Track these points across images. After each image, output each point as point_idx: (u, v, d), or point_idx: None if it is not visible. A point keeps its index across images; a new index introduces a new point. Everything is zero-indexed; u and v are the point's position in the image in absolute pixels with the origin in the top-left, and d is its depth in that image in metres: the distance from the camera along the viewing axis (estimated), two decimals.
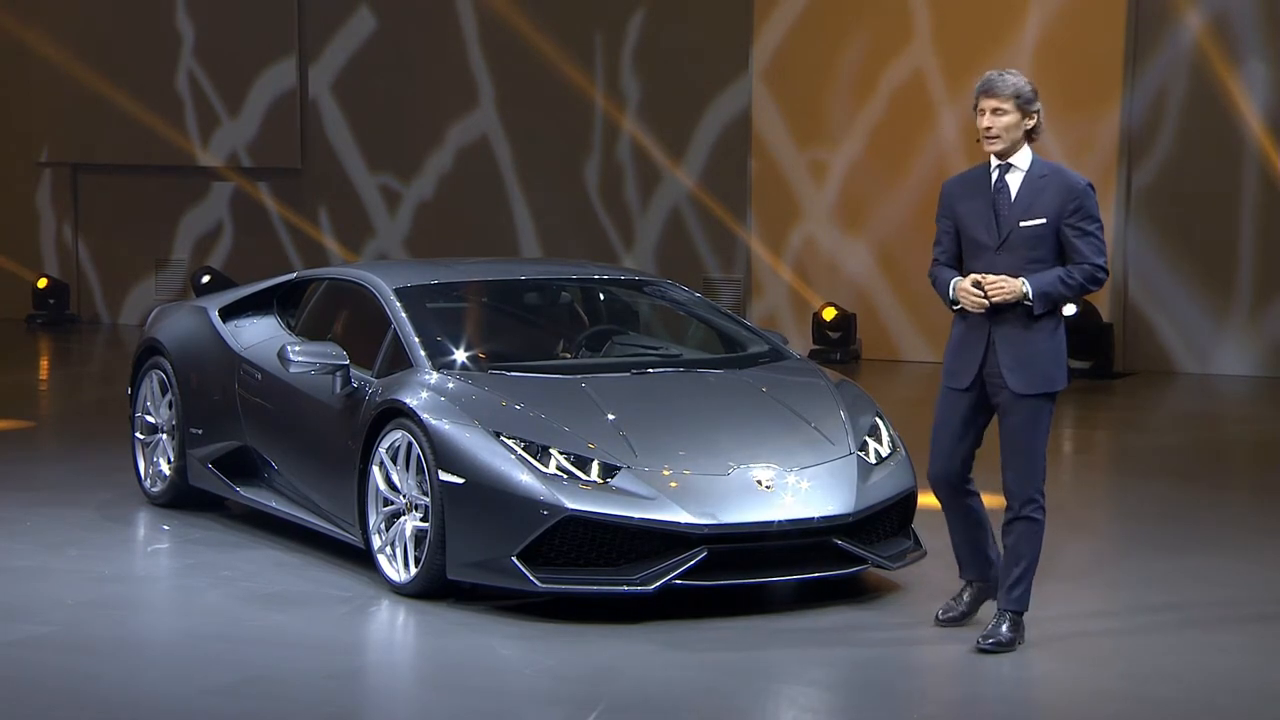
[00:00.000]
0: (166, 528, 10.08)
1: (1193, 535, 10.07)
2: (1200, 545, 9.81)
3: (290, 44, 19.64)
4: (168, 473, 10.39)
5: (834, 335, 17.07)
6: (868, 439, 8.69)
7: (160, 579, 9.32)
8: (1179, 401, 15.46)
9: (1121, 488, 11.94)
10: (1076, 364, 16.09)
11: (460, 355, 9.04)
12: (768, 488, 8.23)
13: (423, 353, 8.97)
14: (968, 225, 7.72)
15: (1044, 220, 7.56)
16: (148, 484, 10.56)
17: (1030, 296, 7.51)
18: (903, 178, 17.03)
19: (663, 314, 10.21)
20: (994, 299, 7.54)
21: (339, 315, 9.92)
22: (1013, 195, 7.62)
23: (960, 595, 8.07)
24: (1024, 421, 7.67)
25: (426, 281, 9.62)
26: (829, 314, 17.06)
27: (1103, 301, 16.33)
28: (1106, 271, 7.58)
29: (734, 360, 9.45)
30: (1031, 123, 7.59)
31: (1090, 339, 16.09)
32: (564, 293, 10.05)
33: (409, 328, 9.12)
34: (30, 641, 7.89)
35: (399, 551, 8.52)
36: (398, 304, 9.29)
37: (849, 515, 8.31)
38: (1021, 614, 7.75)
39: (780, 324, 17.16)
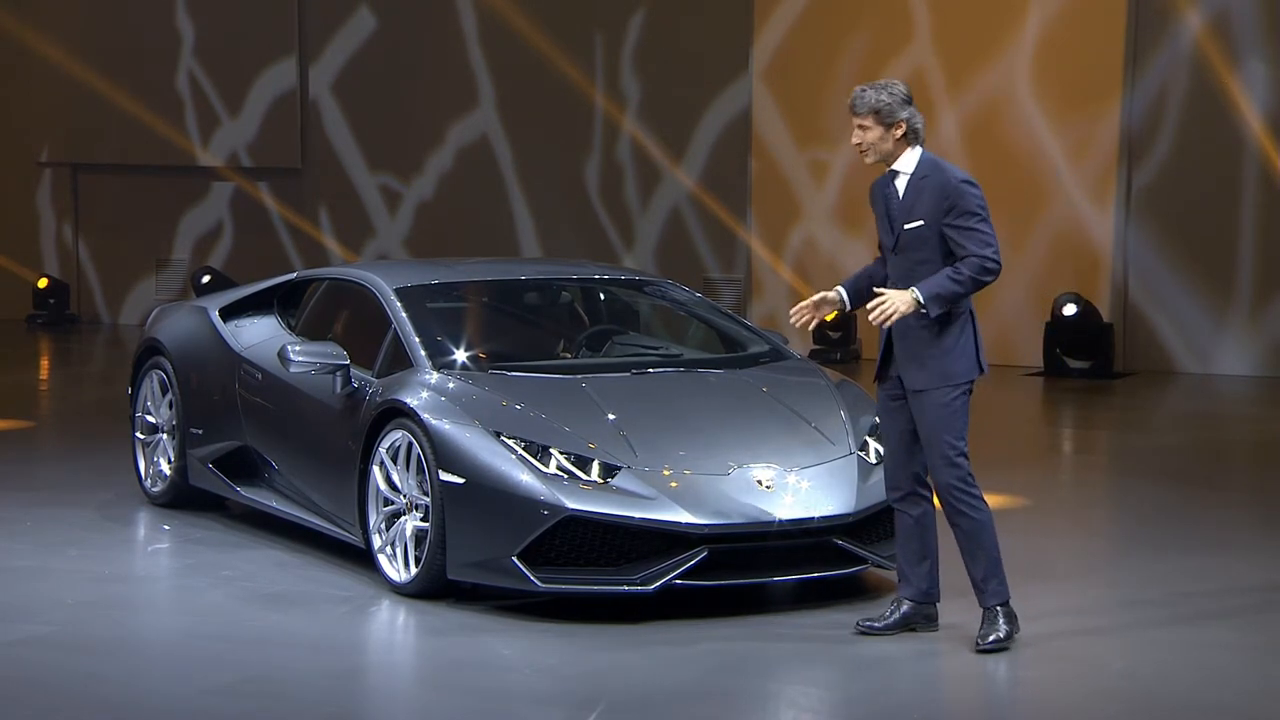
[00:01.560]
0: (166, 528, 10.08)
1: (1192, 535, 10.06)
2: (1200, 545, 9.81)
3: (290, 44, 19.64)
4: (168, 473, 10.39)
5: (834, 335, 17.07)
6: (868, 439, 8.69)
7: (160, 579, 9.32)
8: (1179, 401, 15.45)
9: (1121, 488, 11.93)
10: (1076, 364, 16.10)
11: (460, 355, 9.04)
12: (768, 488, 8.23)
13: (423, 353, 8.97)
14: (877, 228, 7.90)
15: (922, 222, 7.67)
16: (148, 484, 10.56)
17: (922, 302, 7.57)
18: None
19: (663, 314, 10.21)
20: (887, 324, 7.62)
21: (339, 315, 9.91)
22: (899, 198, 7.76)
23: (888, 611, 7.96)
24: (927, 417, 7.69)
25: (426, 281, 9.62)
26: (829, 314, 17.04)
27: (1103, 301, 16.33)
28: (997, 261, 7.58)
29: (734, 360, 9.45)
30: (900, 131, 7.72)
31: (1090, 339, 16.10)
32: (564, 293, 10.05)
33: (409, 328, 9.12)
34: (30, 641, 7.89)
35: (399, 551, 8.52)
36: (398, 304, 9.29)
37: (849, 515, 8.30)
38: (1007, 603, 7.72)
39: (780, 324, 17.14)
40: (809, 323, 7.95)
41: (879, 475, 8.51)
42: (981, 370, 7.71)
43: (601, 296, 10.12)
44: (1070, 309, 16.00)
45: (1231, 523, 10.57)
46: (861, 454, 8.57)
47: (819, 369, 9.42)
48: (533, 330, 9.84)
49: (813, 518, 8.23)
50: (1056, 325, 16.15)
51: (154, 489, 10.50)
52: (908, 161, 7.75)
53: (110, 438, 12.35)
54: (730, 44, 17.77)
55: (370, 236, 19.56)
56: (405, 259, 18.18)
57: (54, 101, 20.57)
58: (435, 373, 8.82)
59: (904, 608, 7.91)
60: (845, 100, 7.89)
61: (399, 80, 19.25)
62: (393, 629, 8.28)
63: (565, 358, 9.49)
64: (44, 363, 18.13)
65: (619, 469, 8.19)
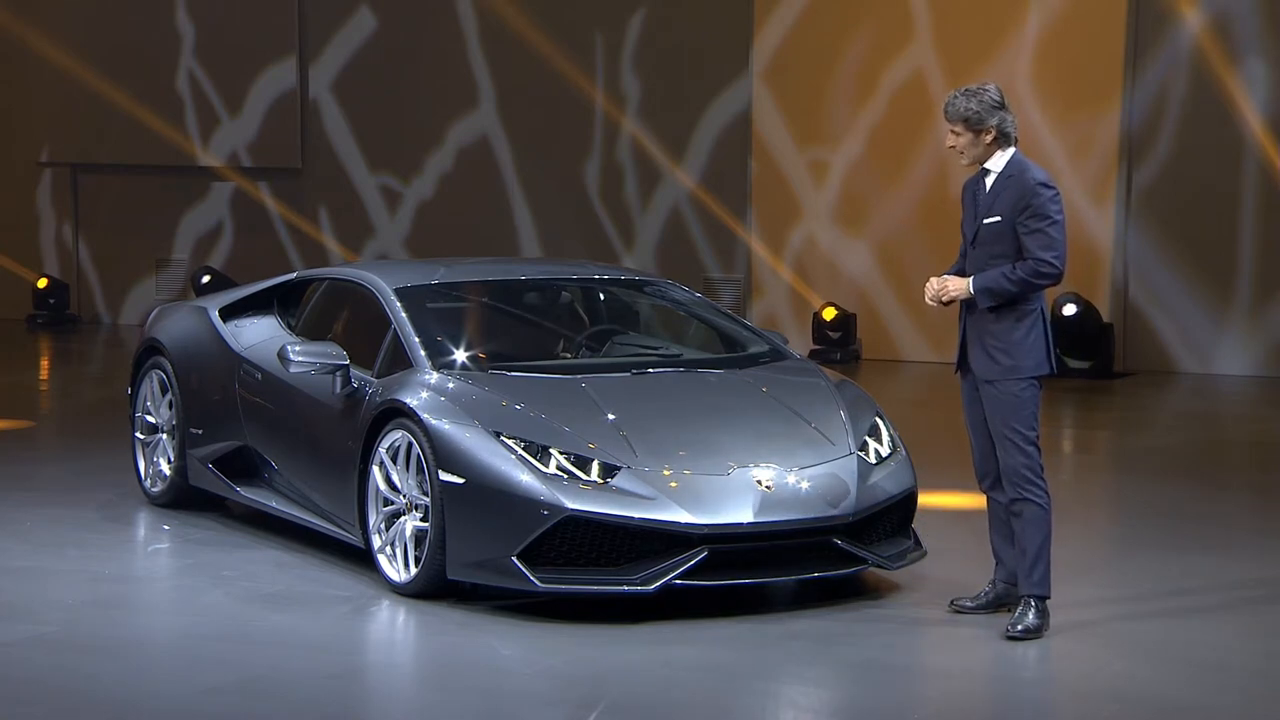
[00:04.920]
0: (166, 528, 10.08)
1: (1192, 535, 10.07)
2: (1200, 545, 9.81)
3: (290, 44, 19.64)
4: (168, 473, 10.39)
5: (834, 335, 17.07)
6: (868, 439, 8.69)
7: (160, 579, 9.32)
8: (1179, 401, 15.45)
9: (1121, 487, 11.93)
10: (1076, 364, 16.10)
11: (460, 355, 9.04)
12: (768, 488, 8.23)
13: (423, 353, 8.96)
14: (962, 220, 8.17)
15: (999, 219, 7.97)
16: (148, 484, 10.56)
17: (972, 292, 7.93)
18: (903, 178, 17.03)
19: (663, 314, 10.21)
20: (944, 301, 8.01)
21: (339, 315, 9.92)
22: (985, 194, 8.04)
23: (982, 592, 8.27)
24: (997, 406, 7.97)
25: (426, 281, 9.62)
26: (829, 314, 17.06)
27: (1103, 301, 16.33)
28: (1055, 265, 7.86)
29: (734, 360, 9.45)
30: (989, 137, 7.98)
31: (1090, 339, 16.09)
32: (564, 293, 10.05)
33: (409, 328, 9.12)
34: (30, 641, 7.89)
35: (399, 551, 8.52)
36: (398, 304, 9.29)
37: (849, 515, 8.30)
38: (1044, 599, 7.95)
39: (780, 324, 17.16)
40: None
41: (878, 475, 8.53)
42: (1051, 368, 8.03)
43: (601, 296, 10.11)
44: (1070, 309, 15.99)
45: (1231, 522, 10.57)
46: (861, 454, 8.57)
47: (819, 369, 9.42)
48: (533, 330, 9.84)
49: (813, 518, 8.23)
50: (1056, 325, 16.12)
51: (154, 489, 10.51)
52: (998, 161, 8.03)
53: (110, 438, 12.35)
54: (730, 44, 17.77)
55: (370, 236, 19.57)
56: (405, 259, 18.18)
57: (54, 101, 20.57)
58: (435, 373, 8.81)
59: (998, 588, 8.20)
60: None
61: (399, 80, 19.25)
62: (393, 629, 8.28)
63: (565, 358, 9.49)
64: (44, 363, 18.13)
65: (619, 469, 8.19)
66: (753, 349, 9.58)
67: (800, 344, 16.23)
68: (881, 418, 8.93)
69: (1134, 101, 16.33)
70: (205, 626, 8.17)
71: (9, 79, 20.74)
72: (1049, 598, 7.97)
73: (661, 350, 9.56)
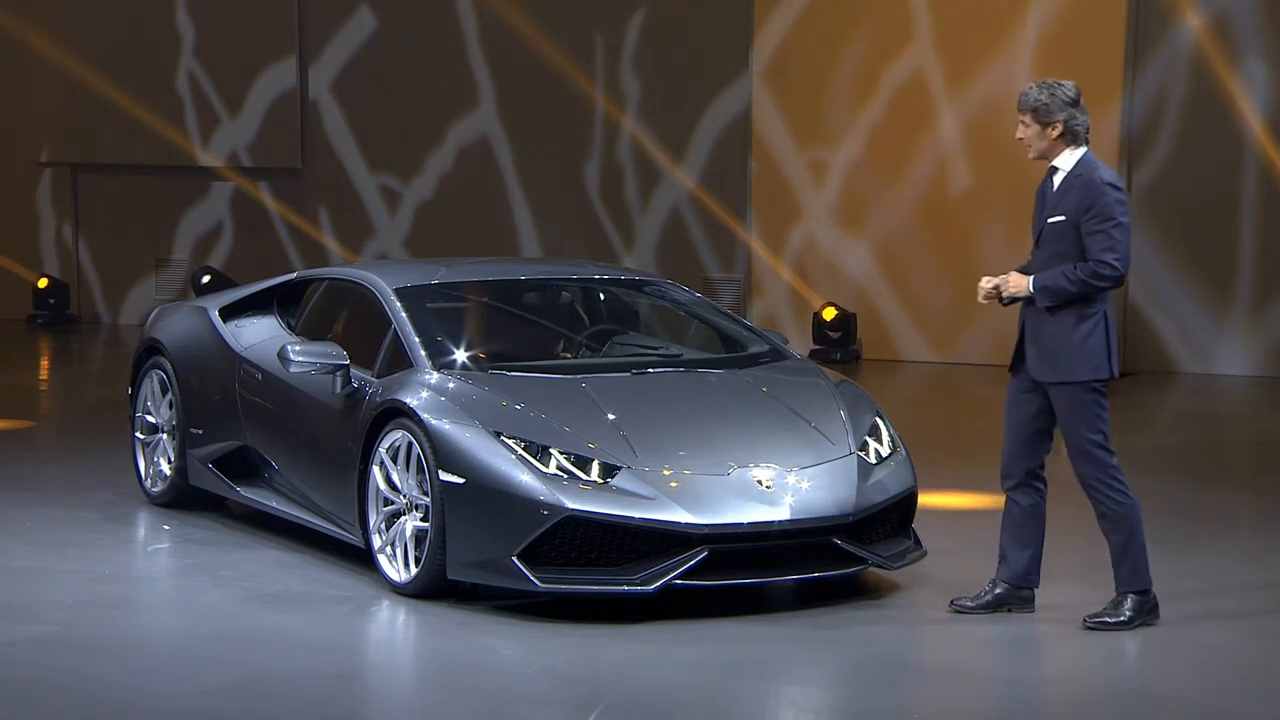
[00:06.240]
0: (166, 528, 10.08)
1: (1192, 535, 10.06)
2: (1200, 545, 9.81)
3: (290, 44, 19.63)
4: (168, 473, 10.39)
5: (834, 335, 17.07)
6: (868, 439, 8.69)
7: (160, 579, 9.32)
8: (1179, 401, 15.45)
9: None
10: None
11: (460, 355, 9.04)
12: (768, 488, 8.23)
13: (423, 353, 8.97)
14: (1034, 219, 8.16)
15: (1064, 218, 7.94)
16: (148, 484, 10.56)
17: (1032, 290, 7.93)
18: (903, 178, 17.01)
19: (663, 314, 10.21)
20: (1004, 295, 8.03)
21: (339, 315, 9.92)
22: (1053, 193, 8.02)
23: (982, 591, 8.24)
24: (1061, 409, 8.07)
25: (426, 281, 9.62)
26: (829, 314, 17.05)
27: None
28: (1115, 267, 7.85)
29: (734, 360, 9.45)
30: (1056, 132, 7.95)
31: None
32: (564, 293, 10.05)
33: (409, 328, 9.12)
34: (30, 641, 7.89)
35: (399, 551, 8.52)
36: (398, 304, 9.29)
37: (849, 515, 8.31)
38: (1141, 592, 7.97)
39: (780, 324, 17.15)
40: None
41: (879, 475, 8.54)
42: (1111, 372, 8.12)
43: (601, 296, 10.12)
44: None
45: (1232, 523, 10.57)
46: (861, 454, 8.57)
47: (819, 369, 9.42)
48: (533, 330, 9.84)
49: (813, 518, 8.23)
50: None
51: (154, 489, 10.51)
52: (1067, 160, 8.00)
53: (110, 438, 12.34)
54: (730, 44, 17.77)
55: (370, 236, 19.56)
56: (405, 259, 18.18)
57: (54, 101, 20.56)
58: (435, 373, 8.82)
59: (999, 589, 8.19)
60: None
61: (399, 80, 19.24)
62: (393, 629, 8.29)
63: (565, 358, 9.49)
64: (44, 363, 18.13)
65: (619, 469, 8.19)
66: (753, 349, 9.58)
67: (800, 344, 16.22)
68: (881, 417, 8.93)
69: (1134, 101, 16.33)
70: (205, 626, 8.17)
71: (9, 79, 20.73)
72: (1143, 591, 7.97)
73: (661, 350, 9.57)
